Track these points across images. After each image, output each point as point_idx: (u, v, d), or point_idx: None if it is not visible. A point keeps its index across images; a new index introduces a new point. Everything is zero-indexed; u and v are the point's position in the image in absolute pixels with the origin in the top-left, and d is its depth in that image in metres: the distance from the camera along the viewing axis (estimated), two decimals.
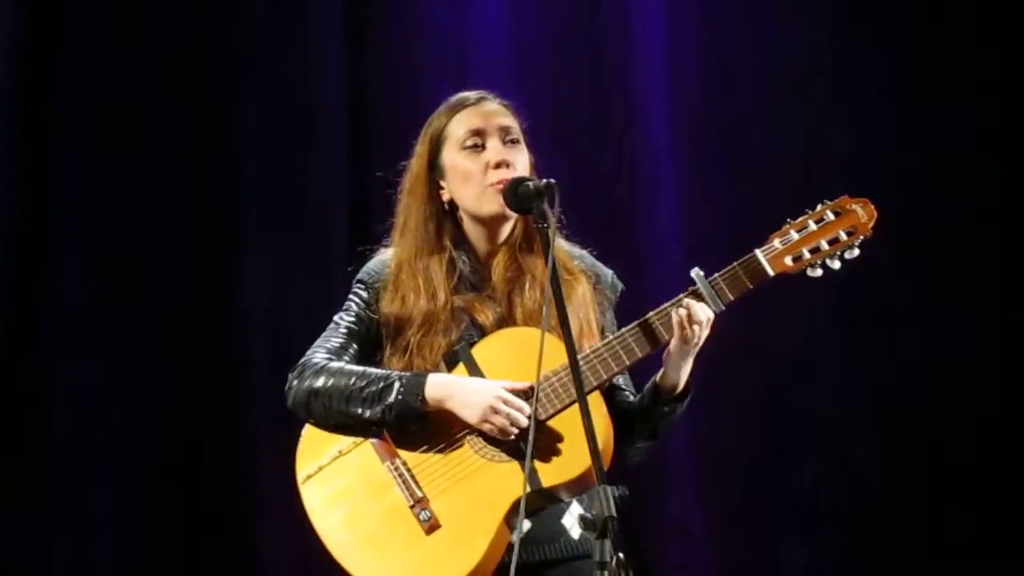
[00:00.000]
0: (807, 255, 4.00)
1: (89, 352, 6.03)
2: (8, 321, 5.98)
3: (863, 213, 4.02)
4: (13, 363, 5.97)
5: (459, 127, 4.17)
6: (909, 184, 6.07)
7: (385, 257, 4.22)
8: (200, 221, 6.11)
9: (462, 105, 4.20)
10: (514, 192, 3.95)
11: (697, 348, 4.00)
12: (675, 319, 3.95)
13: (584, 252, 4.25)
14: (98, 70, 6.06)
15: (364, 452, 4.03)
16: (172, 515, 6.04)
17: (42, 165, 6.05)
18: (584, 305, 4.11)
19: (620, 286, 4.24)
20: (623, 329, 4.03)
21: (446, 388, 3.98)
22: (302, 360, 4.12)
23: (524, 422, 3.91)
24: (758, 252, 4.00)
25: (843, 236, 4.01)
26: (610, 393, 4.11)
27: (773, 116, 6.24)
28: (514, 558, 3.63)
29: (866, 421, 6.15)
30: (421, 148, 4.22)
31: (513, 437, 3.93)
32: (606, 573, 3.43)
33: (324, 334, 4.16)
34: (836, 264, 4.01)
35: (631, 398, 4.15)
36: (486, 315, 4.10)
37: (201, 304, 6.07)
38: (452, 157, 4.16)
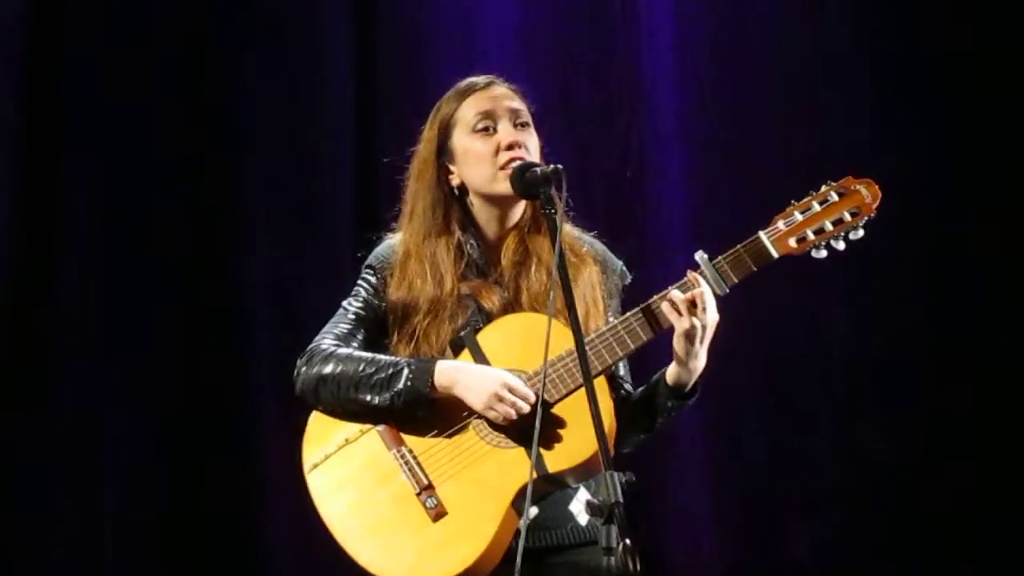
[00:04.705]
0: (811, 236, 3.98)
1: (92, 351, 6.01)
2: (11, 320, 5.98)
3: (867, 193, 4.00)
4: (17, 362, 5.97)
5: (469, 111, 4.16)
6: (918, 174, 6.05)
7: (393, 242, 4.21)
8: (205, 209, 6.10)
9: (471, 89, 4.20)
10: (521, 177, 3.96)
11: (706, 338, 3.96)
12: (677, 304, 3.92)
13: (595, 240, 4.24)
14: (102, 68, 6.04)
15: (370, 440, 4.03)
16: (176, 509, 6.02)
17: (46, 164, 6.04)
18: (591, 287, 4.11)
19: (629, 277, 4.23)
20: (628, 313, 4.00)
21: (453, 374, 3.97)
22: (310, 346, 4.11)
23: (527, 410, 3.89)
24: (762, 234, 3.98)
25: (847, 216, 3.99)
26: (610, 381, 4.09)
27: (780, 103, 6.22)
28: (520, 544, 3.63)
29: (872, 401, 6.14)
30: (429, 133, 4.21)
31: (519, 422, 3.91)
32: (612, 559, 3.41)
33: (332, 320, 4.16)
34: (840, 245, 3.99)
35: (631, 388, 4.15)
36: (492, 300, 4.09)
37: (206, 300, 6.07)
38: (463, 140, 4.15)
